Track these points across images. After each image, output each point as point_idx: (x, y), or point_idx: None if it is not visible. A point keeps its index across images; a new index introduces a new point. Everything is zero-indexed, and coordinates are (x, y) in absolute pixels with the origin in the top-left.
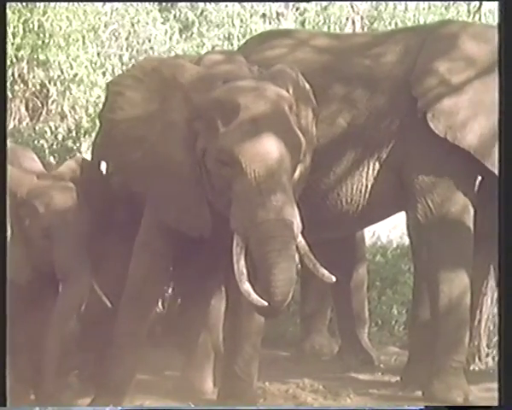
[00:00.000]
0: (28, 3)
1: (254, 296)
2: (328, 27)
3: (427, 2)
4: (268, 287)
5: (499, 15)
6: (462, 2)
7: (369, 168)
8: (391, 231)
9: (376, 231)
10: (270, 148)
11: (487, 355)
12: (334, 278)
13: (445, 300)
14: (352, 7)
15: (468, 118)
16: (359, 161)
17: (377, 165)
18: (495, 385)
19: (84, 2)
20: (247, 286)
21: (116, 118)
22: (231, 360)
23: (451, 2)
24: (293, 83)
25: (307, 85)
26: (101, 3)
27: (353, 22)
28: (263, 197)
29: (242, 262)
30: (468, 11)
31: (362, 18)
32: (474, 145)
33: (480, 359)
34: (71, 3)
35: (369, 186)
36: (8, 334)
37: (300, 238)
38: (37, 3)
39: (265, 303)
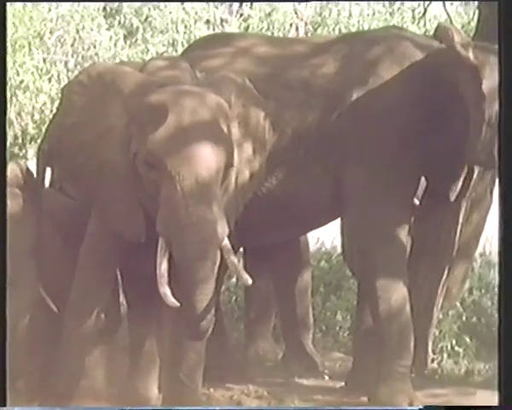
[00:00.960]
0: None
1: (170, 299)
2: (272, 33)
3: (371, 9)
4: (187, 295)
5: (499, 15)
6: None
7: (309, 174)
8: (335, 237)
9: (321, 236)
10: (195, 152)
11: (432, 361)
12: (250, 281)
13: (385, 306)
14: (295, 13)
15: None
16: (300, 166)
17: (317, 171)
18: (440, 390)
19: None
20: (164, 289)
21: (64, 123)
22: (176, 366)
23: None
24: (237, 90)
25: (256, 92)
26: (47, 10)
27: (297, 28)
28: (186, 201)
29: (165, 265)
30: (413, 17)
31: (306, 24)
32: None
33: (425, 364)
34: (18, 7)
35: (310, 192)
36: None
37: (226, 242)
38: None
39: (178, 304)
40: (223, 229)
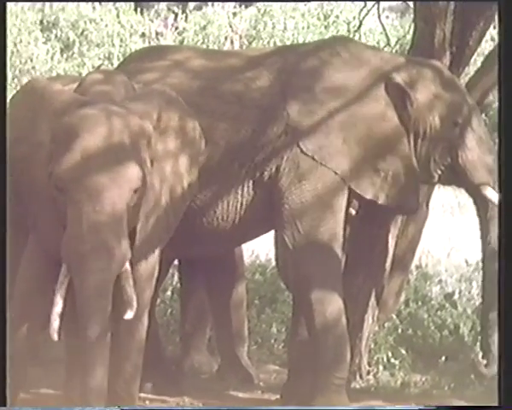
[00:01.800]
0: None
1: (52, 333)
2: (207, 47)
3: (306, 22)
4: (81, 321)
5: (499, 15)
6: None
7: (243, 186)
8: (270, 249)
9: (255, 249)
10: (98, 179)
11: (368, 373)
12: (131, 315)
13: (321, 318)
14: (230, 26)
15: (338, 140)
16: (235, 178)
17: (251, 183)
18: (376, 402)
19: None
20: (53, 318)
21: (8, 137)
22: (112, 379)
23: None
24: (168, 103)
25: (185, 105)
26: None
27: (232, 41)
28: (83, 228)
29: (62, 293)
30: (348, 31)
31: (240, 37)
32: (341, 168)
33: (361, 376)
34: None
35: (244, 204)
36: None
37: (126, 267)
38: None
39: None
40: (123, 255)
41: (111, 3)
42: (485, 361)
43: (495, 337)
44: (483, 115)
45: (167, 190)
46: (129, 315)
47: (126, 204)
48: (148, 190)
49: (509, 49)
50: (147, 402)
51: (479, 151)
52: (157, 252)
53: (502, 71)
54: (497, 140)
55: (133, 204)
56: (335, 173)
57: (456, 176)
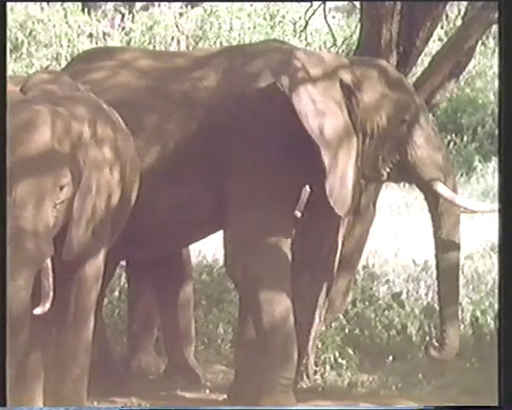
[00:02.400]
0: None
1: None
2: (154, 47)
3: (252, 22)
4: None
5: (499, 15)
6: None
7: (192, 186)
8: (217, 249)
9: (202, 249)
10: (21, 180)
11: (315, 373)
12: (42, 310)
13: (269, 318)
14: (177, 26)
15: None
16: (183, 179)
17: (199, 183)
18: (323, 403)
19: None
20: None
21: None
22: (60, 380)
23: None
24: (93, 112)
25: (116, 117)
26: None
27: (178, 42)
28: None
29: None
30: (294, 30)
31: (187, 37)
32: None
33: (308, 376)
34: None
35: (192, 204)
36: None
37: (47, 264)
38: None
39: None
40: (43, 252)
41: (58, 4)
42: (436, 344)
43: (452, 326)
44: (430, 115)
45: (104, 196)
46: (39, 310)
47: (51, 202)
48: (83, 192)
49: (509, 49)
50: (95, 403)
51: (428, 148)
52: (102, 253)
53: (502, 70)
54: (447, 138)
55: (61, 202)
56: (285, 172)
57: (406, 173)
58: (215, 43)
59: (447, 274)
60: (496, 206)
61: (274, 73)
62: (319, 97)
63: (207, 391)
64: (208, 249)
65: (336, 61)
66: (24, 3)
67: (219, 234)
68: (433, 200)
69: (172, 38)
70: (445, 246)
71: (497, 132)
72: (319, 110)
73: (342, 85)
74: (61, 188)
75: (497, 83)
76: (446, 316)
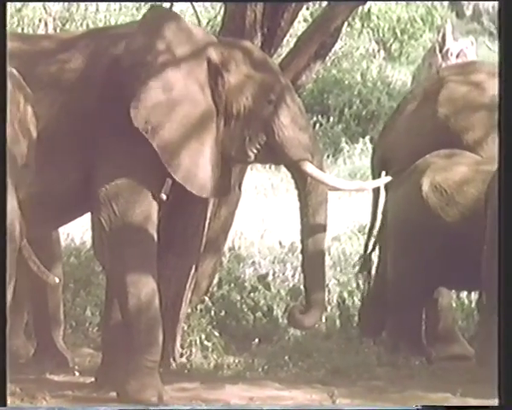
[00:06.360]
0: None
1: None
2: (22, 29)
3: (117, 4)
4: None
5: (499, 15)
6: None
7: (63, 170)
8: (84, 232)
9: (71, 232)
10: None
11: (181, 355)
12: (57, 280)
13: (134, 301)
14: (44, 8)
15: (166, 116)
16: (55, 162)
17: (70, 167)
18: (189, 385)
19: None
20: None
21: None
22: None
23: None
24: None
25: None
26: None
27: (46, 24)
28: None
29: None
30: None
31: (54, 19)
32: (161, 146)
33: (174, 359)
34: None
35: (63, 187)
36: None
37: (25, 242)
38: None
39: None
40: (18, 230)
41: None
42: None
43: (318, 295)
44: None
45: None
46: (56, 280)
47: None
48: None
49: (509, 50)
50: None
51: (294, 128)
52: None
53: (502, 71)
54: (313, 120)
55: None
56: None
57: (274, 154)
58: (81, 25)
59: (313, 256)
60: (364, 184)
61: (134, 58)
62: (180, 82)
63: (76, 374)
64: (76, 232)
65: (205, 38)
66: None
67: (87, 217)
68: (300, 180)
69: (40, 20)
70: (312, 226)
71: (364, 113)
72: (172, 99)
73: (209, 65)
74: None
75: (364, 63)
76: (312, 298)
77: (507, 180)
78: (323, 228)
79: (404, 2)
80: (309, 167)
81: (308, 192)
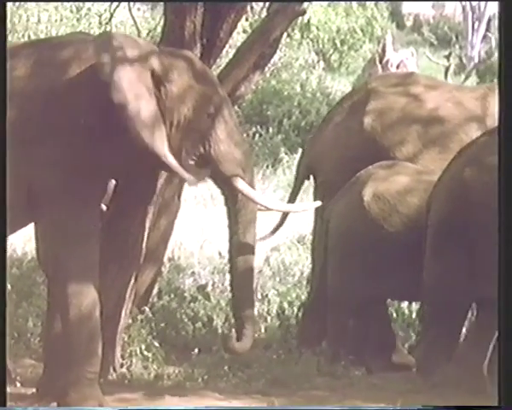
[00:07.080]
0: None
1: None
2: None
3: (59, 15)
4: None
5: (499, 15)
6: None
7: (12, 180)
8: (26, 243)
9: (13, 243)
10: None
11: (122, 366)
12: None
13: (76, 312)
14: None
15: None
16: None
17: (13, 176)
18: (130, 395)
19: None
20: None
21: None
22: None
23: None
24: None
25: None
26: None
27: None
28: None
29: None
30: (100, 23)
31: None
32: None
33: (114, 369)
34: None
35: (6, 197)
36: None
37: None
38: None
39: None
40: None
41: None
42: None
43: (248, 312)
44: (235, 107)
45: None
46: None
47: None
48: None
49: (509, 49)
50: None
51: (230, 143)
52: None
53: (502, 71)
54: (252, 130)
55: None
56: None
57: (208, 167)
58: (24, 35)
59: (243, 275)
60: (293, 207)
61: (83, 64)
62: (136, 82)
63: (18, 385)
64: (18, 242)
65: (148, 47)
66: None
67: (30, 227)
68: (230, 196)
69: None
70: (242, 244)
71: (303, 124)
72: (137, 94)
73: (153, 74)
74: None
75: (304, 74)
76: (243, 315)
77: (507, 186)
78: (253, 247)
79: (343, 13)
80: (240, 184)
81: (238, 210)
